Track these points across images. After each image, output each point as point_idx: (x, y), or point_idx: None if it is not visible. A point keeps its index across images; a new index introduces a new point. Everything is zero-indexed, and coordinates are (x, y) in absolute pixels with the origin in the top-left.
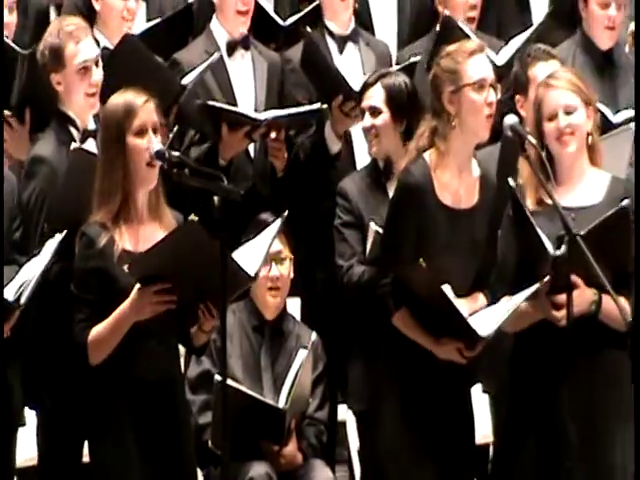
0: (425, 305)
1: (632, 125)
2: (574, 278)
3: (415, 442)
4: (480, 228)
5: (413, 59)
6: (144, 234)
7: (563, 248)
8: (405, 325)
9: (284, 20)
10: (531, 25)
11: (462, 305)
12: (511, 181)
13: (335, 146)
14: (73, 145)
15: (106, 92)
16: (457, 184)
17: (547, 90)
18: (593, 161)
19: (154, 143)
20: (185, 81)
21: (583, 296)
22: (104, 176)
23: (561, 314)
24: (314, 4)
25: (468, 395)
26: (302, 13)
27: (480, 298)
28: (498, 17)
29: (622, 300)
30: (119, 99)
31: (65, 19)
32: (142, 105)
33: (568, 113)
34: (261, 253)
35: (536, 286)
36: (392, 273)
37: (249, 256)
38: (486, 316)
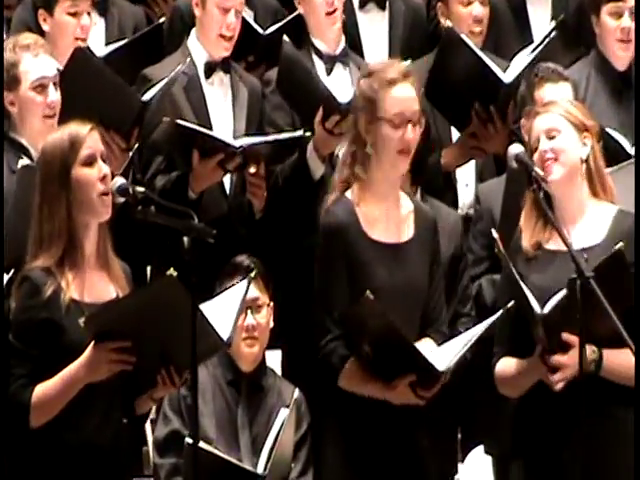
0: (374, 349)
1: None
2: (568, 337)
3: None
4: (418, 265)
5: None
6: (90, 283)
7: (549, 306)
8: (352, 381)
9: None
10: (532, 42)
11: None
12: (500, 246)
13: (318, 171)
14: (21, 162)
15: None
16: (384, 217)
17: (533, 120)
18: (596, 193)
19: (116, 178)
20: (146, 97)
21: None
22: (44, 220)
23: (557, 377)
24: (295, 14)
25: (420, 440)
26: (283, 22)
27: (429, 343)
28: (496, 36)
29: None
30: (62, 132)
31: (22, 34)
32: (88, 133)
33: (550, 137)
34: (231, 316)
35: (497, 315)
36: (331, 327)
37: (220, 315)
38: (442, 353)
